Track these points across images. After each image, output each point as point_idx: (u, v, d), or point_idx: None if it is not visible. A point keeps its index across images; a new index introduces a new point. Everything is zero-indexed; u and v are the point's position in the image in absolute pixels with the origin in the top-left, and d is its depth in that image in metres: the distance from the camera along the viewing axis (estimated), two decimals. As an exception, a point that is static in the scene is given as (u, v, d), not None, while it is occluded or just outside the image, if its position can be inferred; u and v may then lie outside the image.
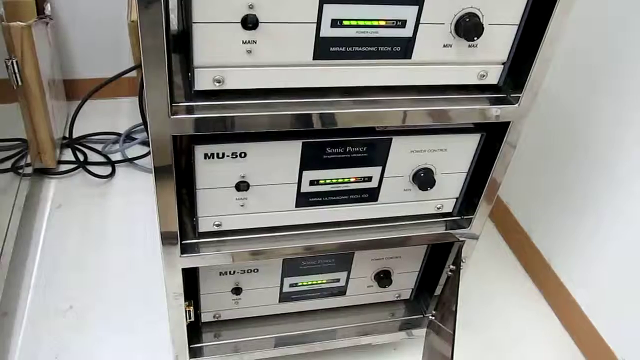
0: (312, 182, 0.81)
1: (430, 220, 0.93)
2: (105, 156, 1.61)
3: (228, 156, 0.74)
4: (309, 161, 0.78)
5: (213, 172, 0.75)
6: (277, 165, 0.77)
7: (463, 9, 0.68)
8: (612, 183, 1.15)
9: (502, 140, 0.82)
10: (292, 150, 0.76)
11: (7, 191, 1.32)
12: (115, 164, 1.59)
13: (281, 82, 0.69)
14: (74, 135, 1.58)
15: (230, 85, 0.67)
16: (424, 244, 1.00)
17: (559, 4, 0.68)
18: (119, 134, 1.68)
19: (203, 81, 0.66)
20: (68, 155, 1.61)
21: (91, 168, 1.55)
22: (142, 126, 1.68)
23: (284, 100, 0.70)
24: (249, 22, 0.62)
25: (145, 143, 1.62)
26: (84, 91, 1.81)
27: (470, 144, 0.83)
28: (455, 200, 0.91)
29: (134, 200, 1.49)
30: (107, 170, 1.57)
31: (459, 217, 0.93)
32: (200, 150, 0.73)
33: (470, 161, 0.86)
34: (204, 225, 0.82)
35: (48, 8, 1.47)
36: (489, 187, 0.88)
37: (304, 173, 0.79)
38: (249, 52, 0.65)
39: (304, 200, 0.83)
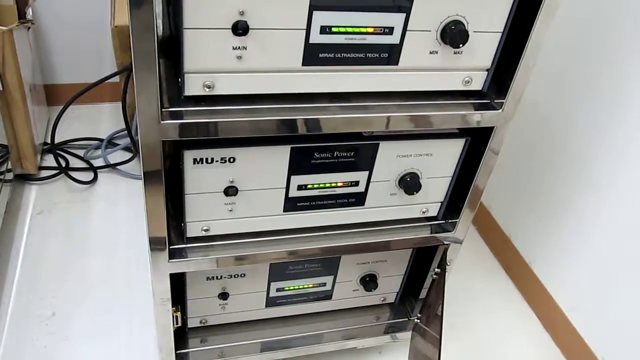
0: (300, 187, 0.81)
1: (415, 224, 0.94)
2: (87, 162, 1.59)
3: (217, 161, 0.75)
4: (297, 166, 0.79)
5: (202, 177, 0.76)
6: (265, 170, 0.78)
7: (449, 17, 0.70)
8: (590, 185, 1.17)
9: (486, 145, 0.84)
10: (281, 155, 0.77)
11: (4, 199, 1.30)
12: (97, 170, 1.57)
13: (271, 87, 0.69)
14: (56, 141, 1.57)
15: (220, 90, 0.68)
16: (409, 248, 1.02)
17: (542, 13, 0.70)
18: (100, 140, 1.67)
19: (193, 87, 0.67)
20: (49, 161, 1.59)
21: (73, 174, 1.54)
22: (124, 131, 1.68)
23: (273, 105, 0.71)
24: (240, 29, 0.63)
25: (127, 149, 1.61)
26: (64, 96, 1.79)
27: (455, 148, 0.85)
28: (440, 204, 0.92)
29: (116, 206, 1.48)
30: (89, 176, 1.55)
31: (444, 221, 0.95)
32: (189, 156, 0.73)
33: (455, 166, 0.87)
34: (192, 230, 0.82)
35: (29, 12, 1.45)
36: (473, 191, 0.89)
37: (292, 178, 0.80)
38: (239, 57, 0.66)
39: (291, 205, 0.83)
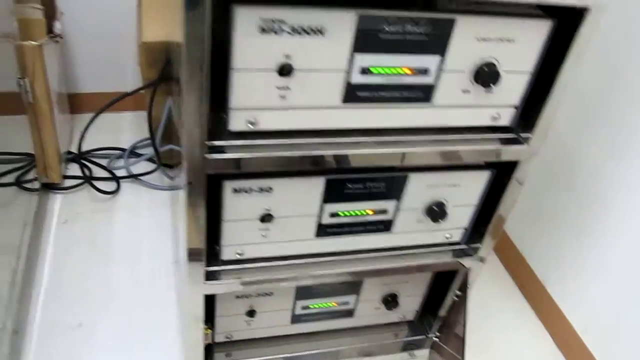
0: (332, 215, 0.85)
1: (439, 248, 0.97)
2: (110, 172, 1.62)
3: (255, 191, 0.78)
4: (330, 195, 0.82)
5: (240, 205, 0.79)
6: (300, 199, 0.81)
7: (482, 59, 0.73)
8: (606, 206, 1.20)
9: (510, 176, 0.87)
10: (316, 185, 0.80)
11: (18, 207, 1.34)
12: (120, 180, 1.60)
13: (310, 123, 0.73)
14: (78, 149, 1.61)
15: (262, 126, 0.71)
16: (433, 271, 1.05)
17: (571, 55, 0.73)
18: (123, 149, 1.70)
19: (237, 122, 0.70)
20: (72, 169, 1.62)
21: (96, 183, 1.57)
22: (146, 141, 1.71)
23: (312, 140, 0.74)
24: (285, 70, 0.66)
25: (151, 160, 1.64)
26: (86, 105, 1.83)
27: (481, 180, 0.88)
28: (463, 230, 0.95)
29: (139, 216, 1.51)
30: (111, 185, 1.59)
31: (467, 246, 0.98)
32: (229, 186, 0.76)
33: (480, 195, 0.90)
34: (227, 254, 0.85)
35: (58, 26, 1.49)
36: (496, 220, 0.92)
37: (326, 206, 0.83)
38: (283, 97, 0.69)
39: (323, 230, 0.86)
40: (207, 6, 0.59)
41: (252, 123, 0.70)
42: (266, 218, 0.81)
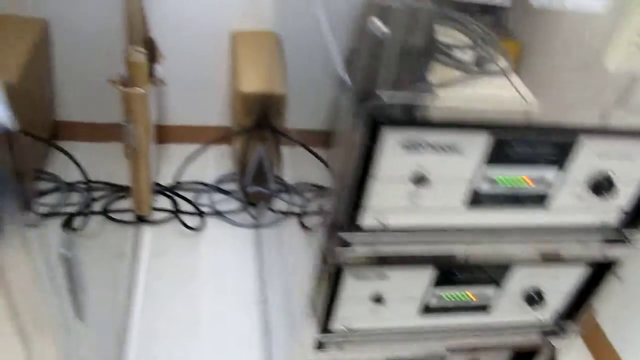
0: (438, 298, 0.90)
1: (530, 327, 1.01)
2: (196, 207, 1.71)
3: (372, 277, 0.84)
4: (439, 281, 0.87)
5: (356, 287, 0.85)
6: (412, 284, 0.87)
7: (600, 172, 0.77)
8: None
9: (610, 270, 0.90)
10: (428, 273, 0.86)
11: (105, 238, 1.44)
12: (206, 216, 1.68)
13: (433, 222, 0.78)
14: (164, 181, 1.70)
15: (389, 224, 0.77)
16: (523, 351, 1.09)
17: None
18: (206, 184, 1.78)
19: (369, 220, 0.76)
20: (159, 202, 1.71)
21: (182, 217, 1.66)
22: (228, 177, 1.79)
23: (432, 237, 0.80)
24: (419, 180, 0.72)
25: (237, 198, 1.72)
26: (170, 135, 1.93)
27: (580, 274, 0.92)
28: (555, 312, 0.99)
29: (224, 254, 1.58)
30: (197, 220, 1.67)
31: (556, 327, 1.01)
32: (350, 272, 0.82)
33: (577, 287, 0.94)
34: (335, 325, 0.91)
35: (159, 69, 1.57)
36: (589, 306, 0.96)
37: (434, 290, 0.88)
38: (412, 202, 0.74)
39: (427, 310, 0.92)
40: (364, 129, 0.65)
41: (381, 221, 0.76)
42: (377, 299, 0.87)
